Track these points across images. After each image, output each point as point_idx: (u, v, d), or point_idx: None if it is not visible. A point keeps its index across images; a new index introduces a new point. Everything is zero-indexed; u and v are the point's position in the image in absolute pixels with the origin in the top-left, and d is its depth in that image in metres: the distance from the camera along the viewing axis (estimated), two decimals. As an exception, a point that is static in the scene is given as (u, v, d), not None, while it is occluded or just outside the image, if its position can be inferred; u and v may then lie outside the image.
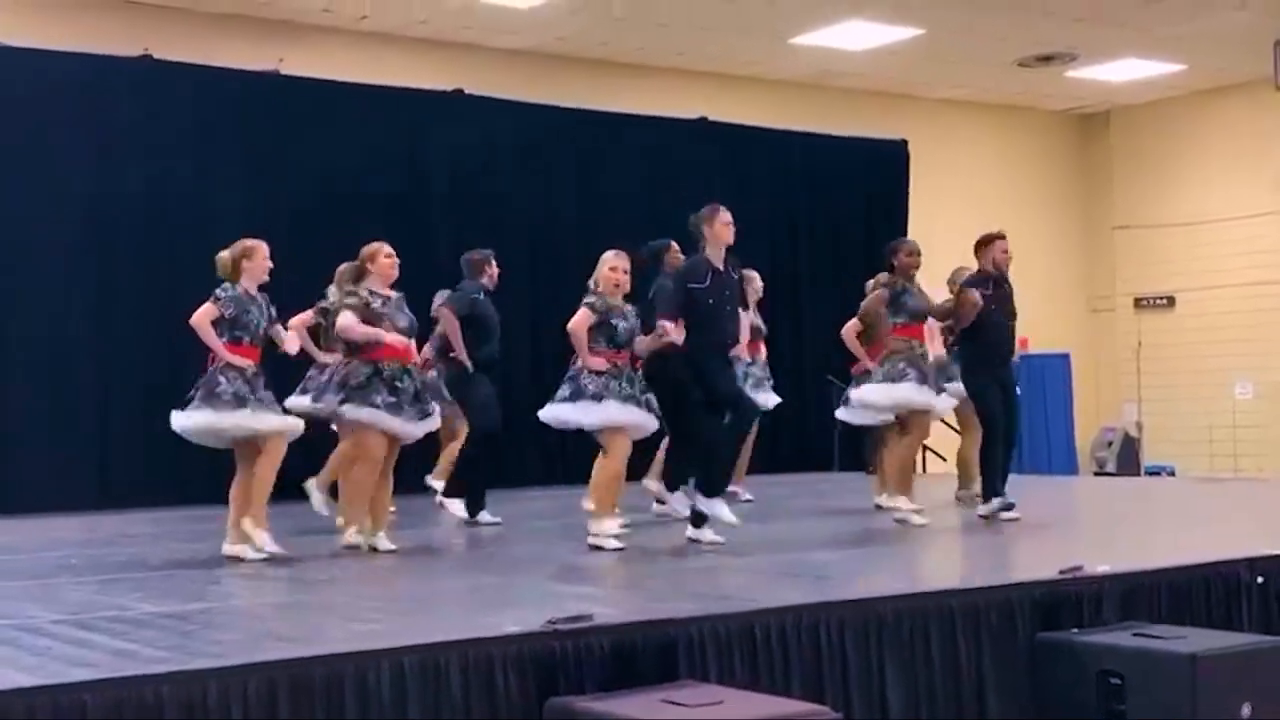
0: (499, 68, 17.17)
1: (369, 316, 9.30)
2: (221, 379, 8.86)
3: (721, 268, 9.37)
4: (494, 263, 11.42)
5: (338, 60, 16.02)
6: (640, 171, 17.27)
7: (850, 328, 11.64)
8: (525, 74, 17.30)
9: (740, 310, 9.92)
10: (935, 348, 11.19)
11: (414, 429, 9.47)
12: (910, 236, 17.52)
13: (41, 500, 13.16)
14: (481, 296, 11.26)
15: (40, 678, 4.93)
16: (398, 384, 9.31)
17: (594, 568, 8.48)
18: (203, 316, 8.94)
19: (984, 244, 10.89)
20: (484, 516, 11.15)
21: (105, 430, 13.96)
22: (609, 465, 9.23)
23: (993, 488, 10.68)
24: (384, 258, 9.56)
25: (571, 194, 16.67)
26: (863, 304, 11.34)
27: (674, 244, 10.70)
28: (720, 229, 9.33)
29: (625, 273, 9.40)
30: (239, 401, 8.81)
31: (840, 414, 12.16)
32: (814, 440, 16.64)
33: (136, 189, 14.41)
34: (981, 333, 10.66)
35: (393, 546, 9.29)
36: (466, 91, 16.55)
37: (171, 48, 14.82)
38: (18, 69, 13.96)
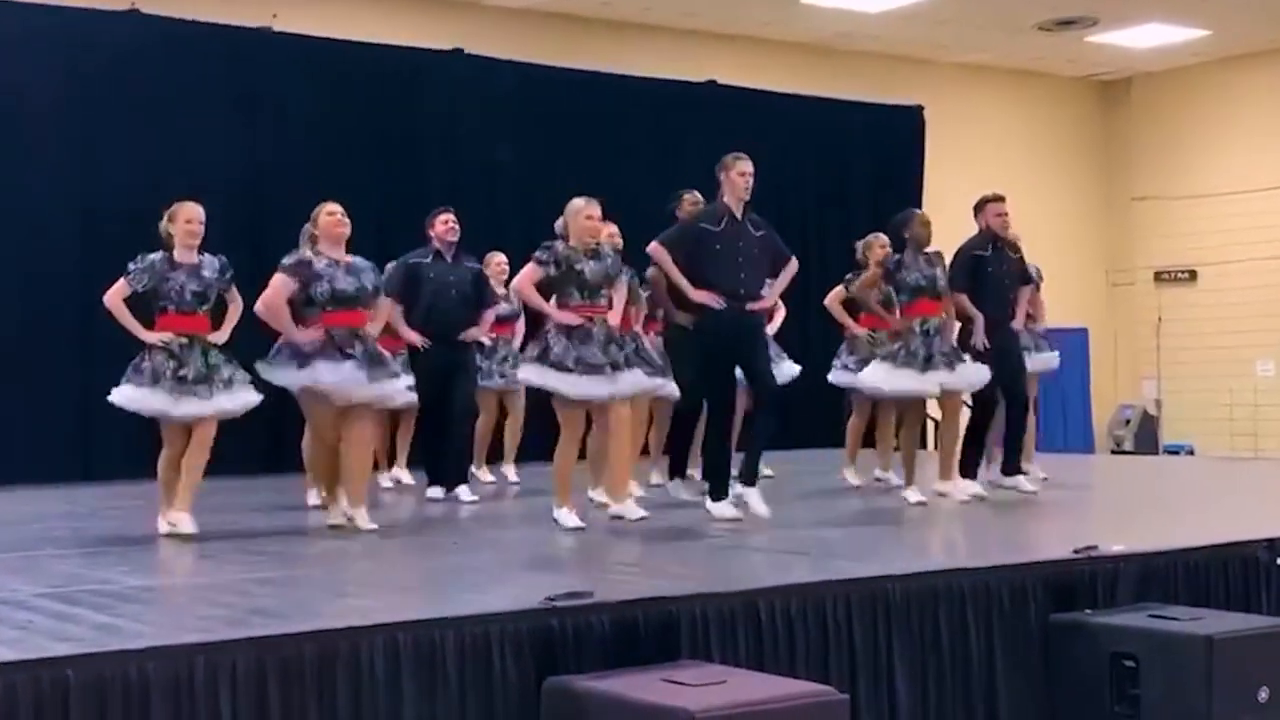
0: (500, 26, 17.13)
1: (308, 278, 9.07)
2: (145, 352, 8.86)
3: (739, 216, 9.42)
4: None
5: (332, 16, 15.98)
6: (646, 135, 17.25)
7: (834, 295, 11.72)
8: (527, 33, 17.26)
9: None
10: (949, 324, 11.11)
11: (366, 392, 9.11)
12: (924, 205, 17.65)
13: (20, 472, 13.15)
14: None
15: (21, 652, 4.94)
16: (348, 351, 9.01)
17: (593, 545, 8.49)
18: (113, 296, 8.89)
19: (979, 207, 10.92)
20: (432, 491, 11.27)
21: (87, 400, 13.88)
22: (558, 450, 9.12)
23: (975, 467, 10.76)
24: (325, 215, 9.26)
25: (574, 158, 16.59)
26: (854, 288, 11.30)
27: (690, 194, 10.67)
28: (735, 178, 9.41)
29: (601, 220, 9.29)
30: (154, 379, 8.76)
31: (833, 377, 12.16)
32: (824, 414, 16.63)
33: (121, 149, 14.36)
34: (983, 294, 10.66)
35: (372, 526, 9.09)
36: (466, 51, 16.52)
37: (160, 2, 14.75)
38: (-1, 22, 13.93)
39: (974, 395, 10.96)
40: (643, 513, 9.21)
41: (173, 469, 8.93)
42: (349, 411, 9.10)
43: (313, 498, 10.27)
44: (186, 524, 8.71)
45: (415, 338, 11.11)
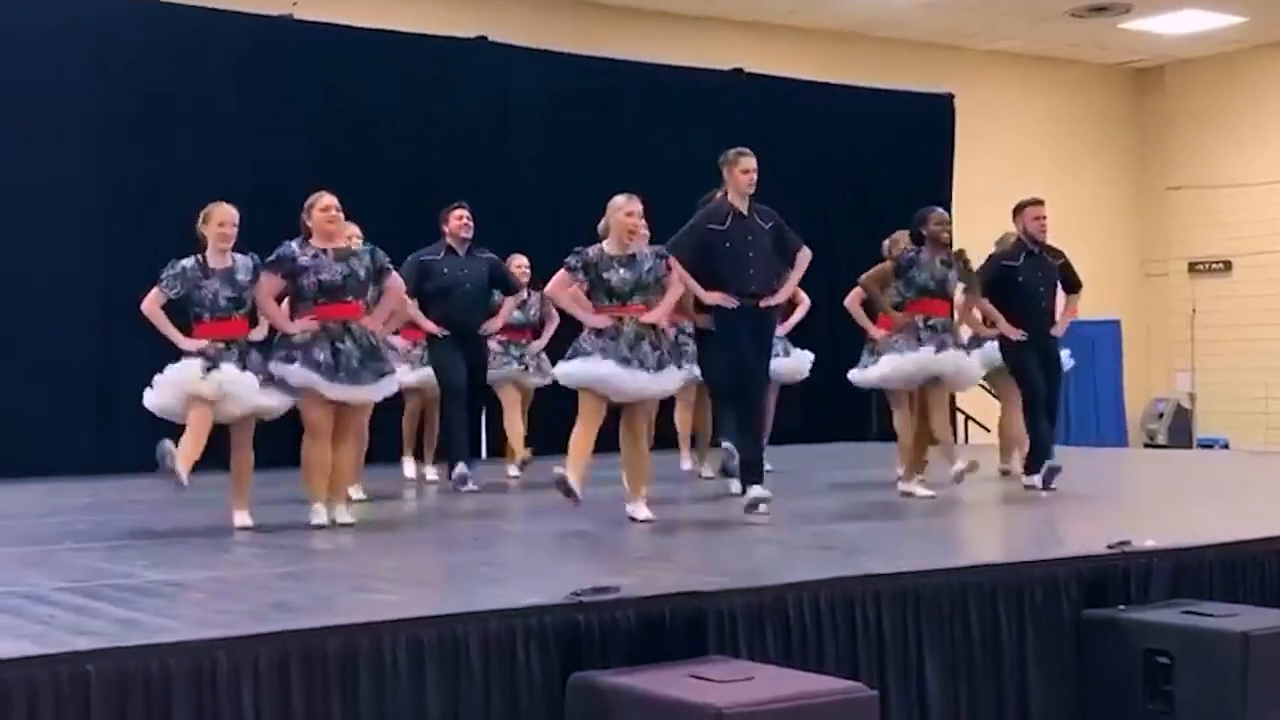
0: (524, 14, 17.14)
1: (291, 272, 9.02)
2: (183, 358, 8.84)
3: (745, 212, 9.43)
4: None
5: (355, 4, 16.00)
6: (672, 124, 17.22)
7: (854, 296, 11.67)
8: (552, 21, 17.26)
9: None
10: (969, 322, 11.08)
11: (352, 392, 9.03)
12: (954, 195, 17.64)
13: (39, 464, 13.20)
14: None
15: (42, 646, 4.97)
16: (338, 345, 8.93)
17: (618, 540, 8.50)
18: (150, 304, 8.92)
19: (1016, 211, 10.92)
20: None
21: (107, 391, 13.93)
22: (575, 429, 9.03)
23: (1038, 460, 10.70)
24: (319, 211, 9.16)
25: (598, 147, 16.62)
26: (863, 280, 11.24)
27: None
28: (738, 176, 9.45)
29: (641, 217, 9.22)
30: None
31: (852, 374, 12.17)
32: (849, 408, 16.64)
33: (139, 140, 14.39)
34: (1011, 302, 10.65)
35: (350, 520, 9.05)
36: (490, 39, 16.52)
37: (180, -9, 14.82)
38: (15, 10, 13.93)
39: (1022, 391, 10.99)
40: (648, 514, 9.01)
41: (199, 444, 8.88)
42: (342, 409, 9.11)
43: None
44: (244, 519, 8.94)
45: (433, 326, 11.19)
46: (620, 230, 9.06)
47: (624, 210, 9.09)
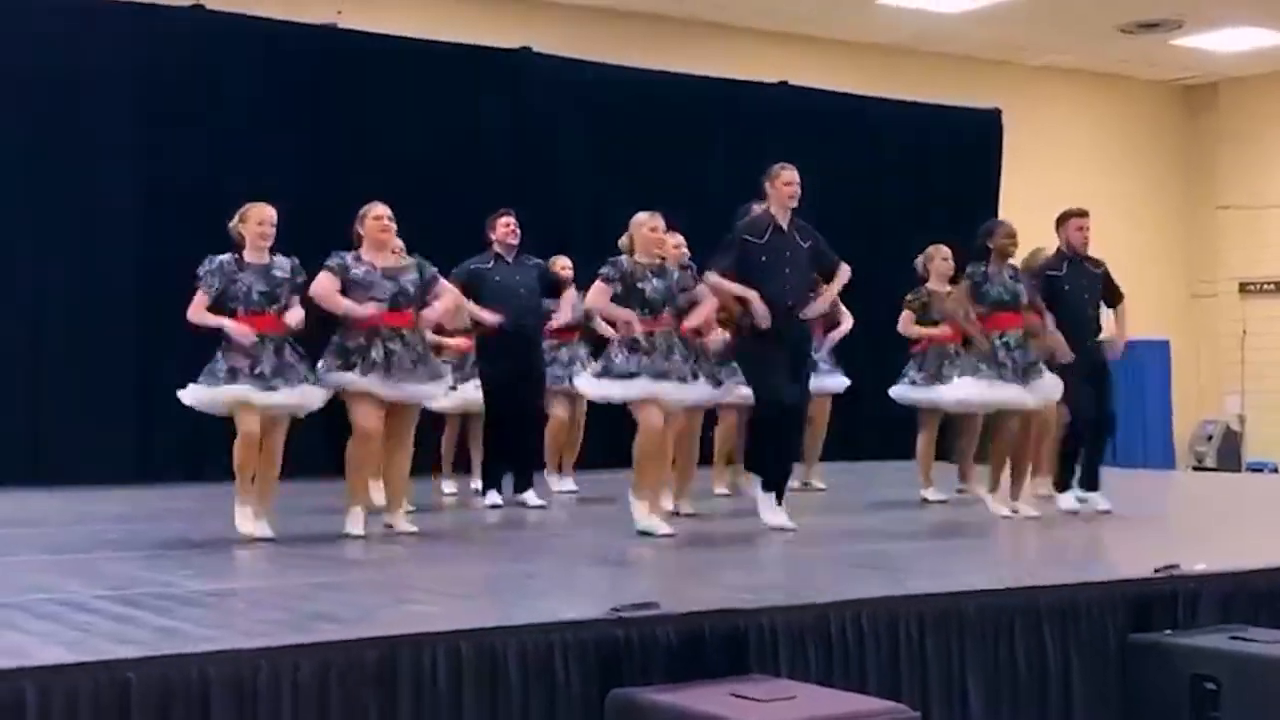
0: (569, 24, 17.19)
1: (344, 282, 9.15)
2: (219, 354, 8.92)
3: (785, 227, 9.51)
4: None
5: (399, 14, 16.07)
6: (716, 138, 17.27)
7: (906, 319, 11.73)
8: (596, 31, 17.32)
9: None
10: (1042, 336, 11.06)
11: (410, 391, 9.21)
12: (1001, 211, 17.59)
13: (76, 472, 13.27)
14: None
15: (82, 654, 5.01)
16: (390, 346, 9.09)
17: (658, 555, 8.52)
18: (195, 310, 8.99)
19: (1060, 221, 10.93)
20: (491, 497, 11.39)
21: (145, 399, 13.98)
22: (637, 442, 9.18)
23: (1066, 481, 10.73)
24: (371, 220, 9.34)
25: (642, 158, 16.63)
26: (945, 306, 11.24)
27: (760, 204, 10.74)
28: (780, 188, 9.53)
29: (664, 231, 9.45)
30: (232, 376, 8.82)
31: (895, 391, 12.12)
32: (894, 426, 16.58)
33: (183, 148, 14.46)
34: (1056, 311, 10.63)
35: (412, 528, 9.27)
36: (535, 50, 16.58)
37: (225, -1, 14.92)
38: (60, 18, 14.03)
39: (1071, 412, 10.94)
40: (669, 529, 9.18)
41: (250, 451, 8.92)
42: (395, 411, 9.23)
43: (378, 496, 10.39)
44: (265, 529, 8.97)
45: (491, 316, 11.19)
46: (647, 244, 9.35)
47: (648, 226, 9.38)
